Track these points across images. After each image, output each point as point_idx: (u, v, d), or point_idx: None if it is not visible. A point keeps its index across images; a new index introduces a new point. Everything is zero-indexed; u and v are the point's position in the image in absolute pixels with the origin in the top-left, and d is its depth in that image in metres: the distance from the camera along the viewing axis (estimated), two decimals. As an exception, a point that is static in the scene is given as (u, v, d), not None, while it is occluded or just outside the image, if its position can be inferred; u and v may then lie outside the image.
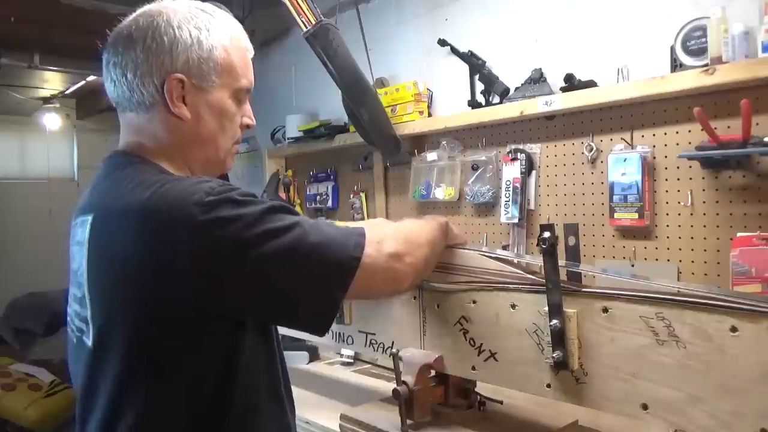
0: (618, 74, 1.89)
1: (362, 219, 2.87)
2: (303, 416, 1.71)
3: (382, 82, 2.68)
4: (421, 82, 2.51)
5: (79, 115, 5.50)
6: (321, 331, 1.00)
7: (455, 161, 2.39)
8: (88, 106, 5.28)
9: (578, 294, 1.17)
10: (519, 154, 2.15)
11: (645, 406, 1.08)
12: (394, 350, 1.48)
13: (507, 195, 2.16)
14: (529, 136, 2.16)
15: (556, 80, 2.03)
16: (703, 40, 1.63)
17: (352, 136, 2.69)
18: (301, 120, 3.04)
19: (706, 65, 1.61)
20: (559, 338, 1.16)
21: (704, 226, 1.71)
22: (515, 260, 1.38)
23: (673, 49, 1.73)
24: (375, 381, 2.11)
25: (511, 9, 2.24)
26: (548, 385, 1.23)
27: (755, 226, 1.59)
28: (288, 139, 3.12)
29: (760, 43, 1.51)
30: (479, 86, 2.30)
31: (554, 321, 1.16)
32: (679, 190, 1.76)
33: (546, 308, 1.18)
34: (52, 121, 5.33)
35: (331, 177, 3.09)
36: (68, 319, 1.10)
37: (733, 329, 0.97)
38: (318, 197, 3.13)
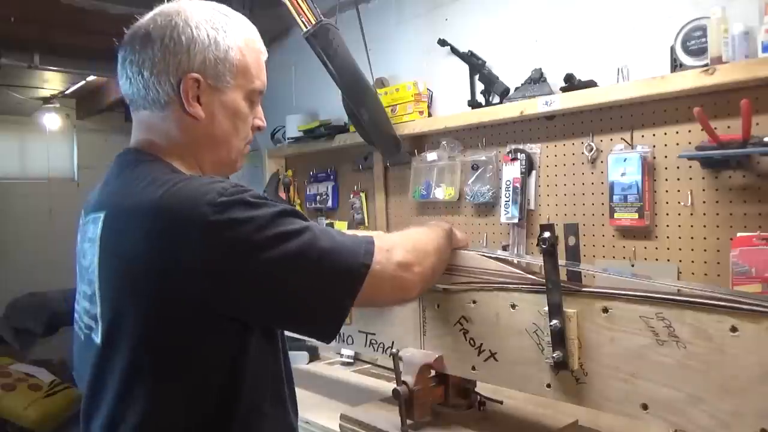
0: (618, 74, 1.89)
1: (362, 219, 2.88)
2: (303, 416, 1.70)
3: (382, 82, 2.68)
4: (421, 82, 2.51)
5: (79, 115, 5.50)
6: (328, 338, 1.01)
7: (455, 161, 2.39)
8: (88, 106, 5.28)
9: (578, 294, 1.17)
10: (519, 154, 2.15)
11: (645, 406, 1.08)
12: (394, 350, 1.48)
13: (507, 195, 2.16)
14: (529, 136, 2.16)
15: (556, 80, 2.03)
16: (703, 40, 1.63)
17: (352, 136, 2.69)
18: (301, 120, 3.04)
19: (706, 65, 1.61)
20: (559, 338, 1.16)
21: (704, 226, 1.71)
22: (515, 260, 1.38)
23: (673, 49, 1.73)
24: (375, 381, 2.12)
25: (511, 9, 2.24)
26: (548, 385, 1.23)
27: (755, 226, 1.59)
28: (288, 139, 3.12)
29: (760, 43, 1.51)
30: (479, 86, 2.30)
31: (554, 321, 1.16)
32: (679, 190, 1.76)
33: (546, 308, 1.19)
34: (52, 121, 5.32)
35: (331, 177, 3.09)
36: (76, 316, 1.10)
37: (733, 329, 0.97)
38: (318, 197, 3.13)
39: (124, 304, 0.94)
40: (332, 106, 2.81)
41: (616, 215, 1.86)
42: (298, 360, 2.43)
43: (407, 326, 1.52)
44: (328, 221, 3.05)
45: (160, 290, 0.91)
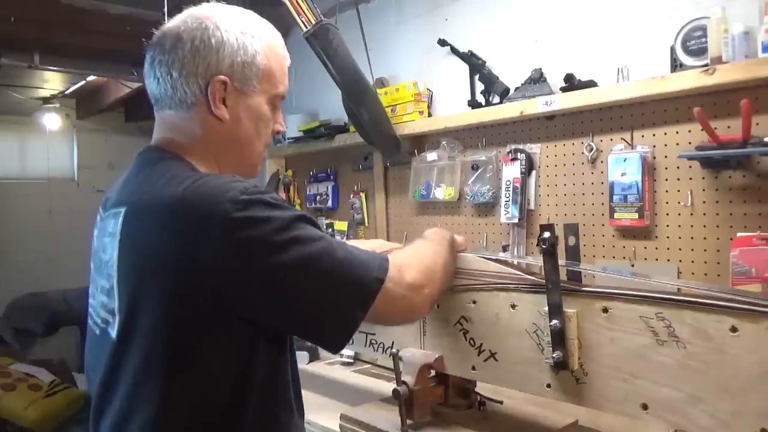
0: (618, 74, 1.89)
1: (362, 219, 2.88)
2: (303, 416, 1.70)
3: (382, 82, 2.68)
4: (421, 82, 2.51)
5: (79, 115, 5.50)
6: (336, 349, 1.02)
7: (455, 161, 2.39)
8: (88, 106, 5.28)
9: (578, 294, 1.17)
10: (519, 154, 2.15)
11: (645, 406, 1.08)
12: (394, 350, 1.48)
13: (507, 195, 2.16)
14: (529, 136, 2.16)
15: (556, 80, 2.03)
16: (703, 40, 1.63)
17: (352, 136, 2.69)
18: (301, 120, 3.04)
19: (706, 65, 1.61)
20: (559, 338, 1.16)
21: (704, 226, 1.71)
22: (515, 262, 1.38)
23: (673, 49, 1.73)
24: (375, 381, 2.11)
25: (511, 9, 2.24)
26: (548, 385, 1.23)
27: (755, 226, 1.59)
28: (288, 139, 3.12)
29: (760, 43, 1.51)
30: (479, 86, 2.30)
31: (554, 321, 1.16)
32: (679, 190, 1.76)
33: (546, 308, 1.19)
34: (52, 121, 5.33)
35: (331, 177, 3.09)
36: (90, 311, 1.10)
37: (733, 329, 0.97)
38: (318, 197, 3.13)
39: (141, 298, 0.95)
40: (332, 106, 2.81)
41: (616, 215, 1.86)
42: (298, 360, 2.42)
43: (407, 326, 1.52)
44: (328, 221, 3.06)
45: (177, 285, 0.92)
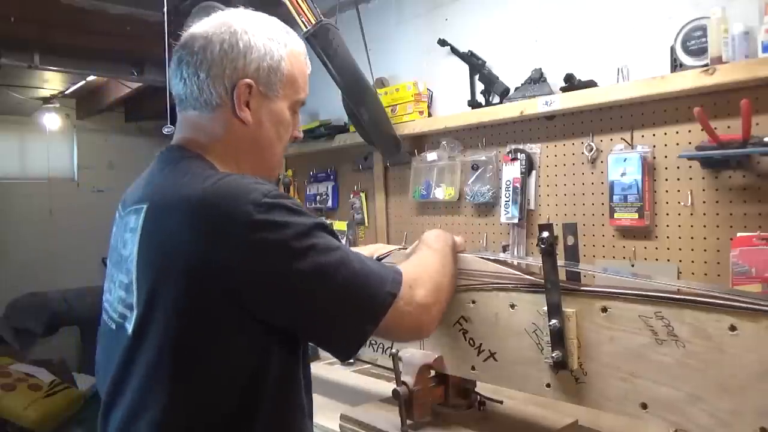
0: (618, 74, 1.89)
1: (362, 219, 2.88)
2: (303, 416, 1.70)
3: (382, 82, 2.68)
4: (421, 82, 2.51)
5: (79, 115, 5.50)
6: (344, 358, 1.04)
7: (455, 161, 2.39)
8: (88, 106, 5.28)
9: (577, 293, 1.17)
10: (519, 154, 2.15)
11: (644, 406, 1.08)
12: (393, 350, 1.48)
13: (507, 195, 2.16)
14: (529, 136, 2.16)
15: (556, 80, 2.03)
16: (703, 40, 1.63)
17: (352, 136, 2.69)
18: (301, 120, 3.03)
19: (706, 65, 1.61)
20: (558, 338, 1.16)
21: (704, 226, 1.71)
22: (515, 262, 1.38)
23: (673, 49, 1.73)
24: (375, 381, 2.11)
25: (511, 9, 2.24)
26: (548, 385, 1.23)
27: (755, 226, 1.59)
28: (288, 139, 3.12)
29: (760, 43, 1.51)
30: (479, 86, 2.30)
31: (553, 321, 1.16)
32: (679, 190, 1.76)
33: (545, 308, 1.18)
34: (52, 121, 5.33)
35: (331, 177, 3.09)
36: (106, 306, 1.11)
37: (732, 328, 0.97)
38: (318, 197, 3.13)
39: (158, 293, 0.95)
40: (332, 106, 2.81)
41: (616, 215, 1.86)
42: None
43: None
44: (328, 221, 3.06)
45: (193, 282, 0.92)
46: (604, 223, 1.92)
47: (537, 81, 2.07)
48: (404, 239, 2.63)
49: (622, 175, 1.83)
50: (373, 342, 1.65)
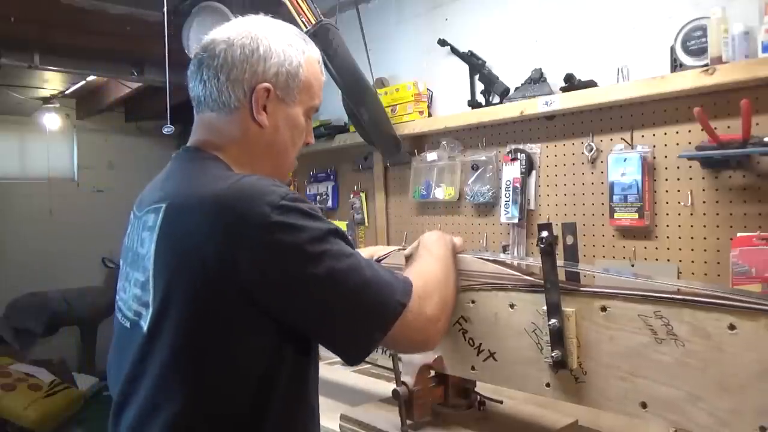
0: (618, 74, 1.89)
1: (362, 219, 2.87)
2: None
3: (382, 82, 2.69)
4: (421, 82, 2.51)
5: (79, 115, 5.51)
6: (352, 363, 1.03)
7: (455, 161, 2.39)
8: (88, 106, 5.28)
9: (576, 293, 1.17)
10: (519, 154, 2.15)
11: (644, 405, 1.08)
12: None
13: (507, 195, 2.16)
14: (529, 136, 2.16)
15: (556, 80, 2.03)
16: (703, 40, 1.63)
17: (352, 136, 2.69)
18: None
19: (706, 65, 1.61)
20: (557, 337, 1.16)
21: (704, 226, 1.71)
22: (515, 263, 1.38)
23: (673, 49, 1.73)
24: (375, 381, 2.11)
25: (511, 9, 2.25)
26: (547, 385, 1.23)
27: (755, 226, 1.59)
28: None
29: (760, 43, 1.51)
30: (479, 86, 2.30)
31: (553, 320, 1.16)
32: (679, 190, 1.76)
33: (544, 308, 1.18)
34: (52, 121, 5.33)
35: (331, 177, 3.09)
36: (120, 304, 1.12)
37: (732, 327, 0.96)
38: (318, 197, 3.13)
39: (174, 291, 0.96)
40: (332, 106, 2.81)
41: (616, 215, 1.86)
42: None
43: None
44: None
45: (209, 280, 0.93)
46: (604, 223, 1.92)
47: (537, 81, 2.07)
48: (404, 239, 2.63)
49: (622, 175, 1.83)
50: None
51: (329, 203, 3.07)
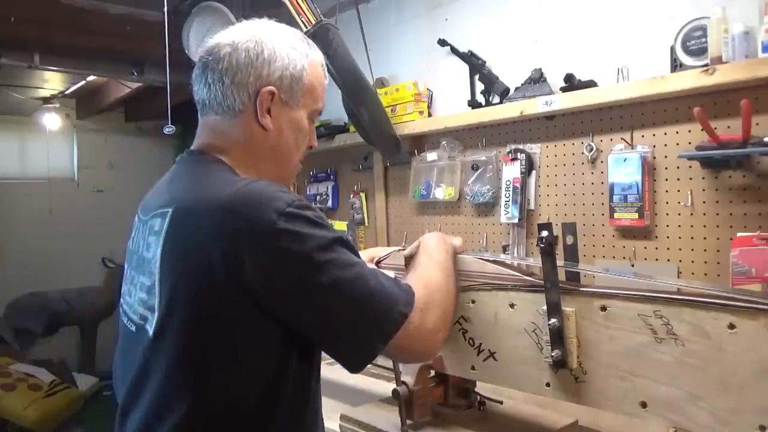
0: (618, 74, 1.89)
1: (362, 219, 2.87)
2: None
3: (382, 82, 2.69)
4: (421, 82, 2.51)
5: (79, 115, 5.51)
6: (353, 370, 1.03)
7: (455, 161, 2.39)
8: (88, 106, 5.29)
9: (576, 293, 1.17)
10: (519, 154, 2.15)
11: (644, 404, 1.08)
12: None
13: (507, 195, 2.16)
14: (529, 136, 2.16)
15: (556, 80, 2.03)
16: (703, 40, 1.63)
17: (352, 136, 2.69)
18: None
19: (706, 65, 1.61)
20: (557, 337, 1.16)
21: (704, 226, 1.71)
22: (515, 263, 1.38)
23: (673, 49, 1.73)
24: (375, 381, 2.11)
25: (511, 9, 2.25)
26: (547, 384, 1.23)
27: (755, 226, 1.59)
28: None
29: (760, 43, 1.51)
30: (479, 86, 2.30)
31: (553, 320, 1.16)
32: (679, 190, 1.76)
33: (544, 307, 1.18)
34: (52, 121, 5.33)
35: (331, 177, 3.09)
36: (125, 308, 1.12)
37: (731, 326, 0.96)
38: (318, 197, 3.13)
39: (179, 295, 0.96)
40: (332, 106, 2.80)
41: (616, 215, 1.86)
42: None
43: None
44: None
45: (215, 284, 0.93)
46: (604, 223, 1.92)
47: (537, 81, 2.07)
48: (404, 239, 2.63)
49: (623, 175, 1.82)
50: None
51: (329, 203, 3.07)
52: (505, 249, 2.19)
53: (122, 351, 1.12)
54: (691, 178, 1.74)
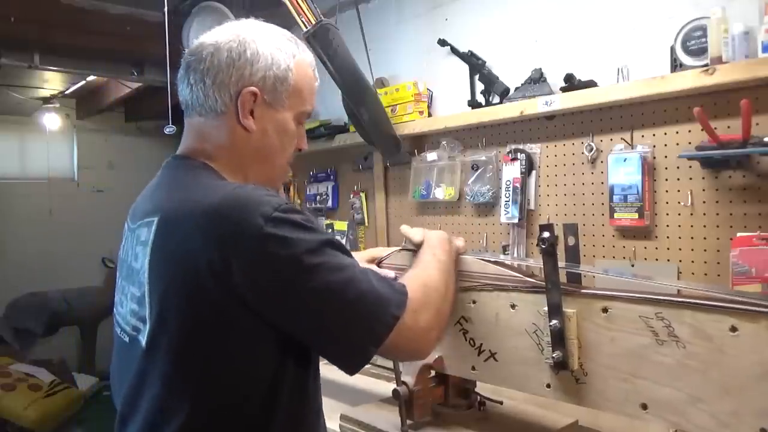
0: (618, 74, 1.89)
1: (362, 219, 2.87)
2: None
3: (382, 82, 2.68)
4: (421, 82, 2.51)
5: (79, 115, 5.51)
6: (348, 372, 1.03)
7: (455, 161, 2.39)
8: (88, 106, 5.29)
9: (577, 294, 1.17)
10: (519, 154, 2.15)
11: (645, 406, 1.08)
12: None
13: (507, 195, 2.16)
14: (529, 136, 2.16)
15: (556, 80, 2.03)
16: (703, 40, 1.63)
17: (352, 136, 2.69)
18: (300, 120, 3.03)
19: (706, 65, 1.61)
20: (558, 338, 1.16)
21: (704, 226, 1.71)
22: (515, 264, 1.38)
23: (673, 49, 1.73)
24: (375, 381, 2.11)
25: (511, 9, 2.24)
26: (548, 385, 1.23)
27: (755, 226, 1.59)
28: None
29: (760, 43, 1.51)
30: (479, 86, 2.30)
31: (554, 321, 1.16)
32: (679, 190, 1.76)
33: (545, 308, 1.18)
34: (52, 121, 5.33)
35: (331, 177, 3.09)
36: (118, 319, 1.11)
37: (733, 329, 0.97)
38: (318, 197, 3.13)
39: (170, 304, 0.96)
40: (332, 106, 2.81)
41: (616, 215, 1.86)
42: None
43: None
44: (328, 221, 3.06)
45: (204, 287, 0.92)
46: (604, 223, 1.92)
47: (537, 81, 2.07)
48: (404, 239, 2.63)
49: (622, 175, 1.82)
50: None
51: (329, 203, 3.07)
52: (505, 249, 2.19)
53: (117, 360, 1.11)
54: (691, 178, 1.74)
